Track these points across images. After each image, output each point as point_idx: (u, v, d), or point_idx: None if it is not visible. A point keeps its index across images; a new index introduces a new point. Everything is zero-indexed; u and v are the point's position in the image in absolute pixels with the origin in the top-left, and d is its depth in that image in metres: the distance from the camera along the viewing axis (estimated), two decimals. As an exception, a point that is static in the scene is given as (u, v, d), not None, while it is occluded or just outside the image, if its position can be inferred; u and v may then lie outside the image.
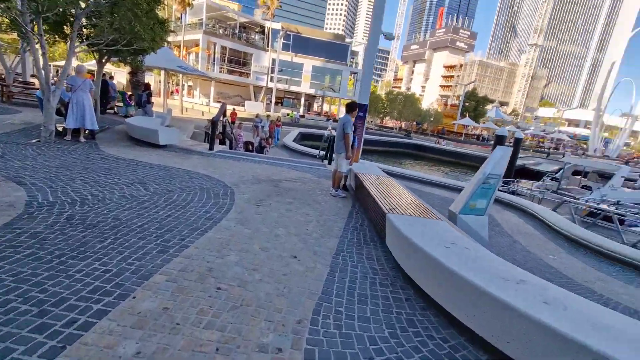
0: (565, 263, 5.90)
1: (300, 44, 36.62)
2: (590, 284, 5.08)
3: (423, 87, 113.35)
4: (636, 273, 5.88)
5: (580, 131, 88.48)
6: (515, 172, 20.51)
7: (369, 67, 6.80)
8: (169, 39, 35.90)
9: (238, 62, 35.18)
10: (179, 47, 31.54)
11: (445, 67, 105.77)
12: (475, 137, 44.41)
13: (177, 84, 42.20)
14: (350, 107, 5.64)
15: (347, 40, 41.32)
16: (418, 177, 12.03)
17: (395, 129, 40.14)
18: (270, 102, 34.95)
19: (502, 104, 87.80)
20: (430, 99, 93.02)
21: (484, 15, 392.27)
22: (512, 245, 6.54)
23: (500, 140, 17.67)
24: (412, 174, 12.43)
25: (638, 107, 59.70)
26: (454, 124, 45.06)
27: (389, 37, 6.76)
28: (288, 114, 35.24)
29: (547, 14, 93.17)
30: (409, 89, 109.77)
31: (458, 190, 11.31)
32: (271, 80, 35.23)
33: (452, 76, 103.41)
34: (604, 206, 13.04)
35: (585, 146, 63.32)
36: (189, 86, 40.56)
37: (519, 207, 10.06)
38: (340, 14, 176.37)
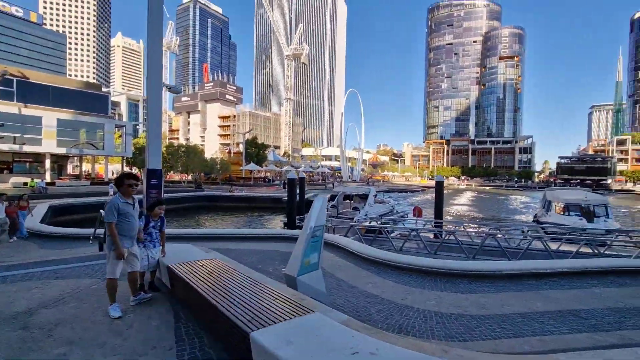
0: (380, 286, 6.59)
1: (33, 92, 28.15)
2: (405, 300, 5.80)
3: (202, 137, 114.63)
4: (421, 276, 7.35)
5: (332, 164, 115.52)
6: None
7: (156, 124, 5.47)
8: None
9: None
10: None
11: (220, 117, 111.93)
12: (262, 179, 48.67)
13: None
14: (119, 182, 4.11)
15: (104, 89, 35.62)
16: (235, 234, 11.13)
17: (183, 182, 37.54)
18: (-11, 170, 24.34)
19: (276, 147, 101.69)
20: (212, 148, 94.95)
21: (243, 73, 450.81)
22: (339, 285, 6.76)
23: (292, 182, 19.79)
24: (225, 232, 11.40)
25: (362, 143, 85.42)
26: (241, 170, 47.49)
27: (175, 90, 5.77)
28: (26, 184, 25.66)
29: (291, 76, 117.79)
30: (187, 139, 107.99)
31: (273, 238, 11.29)
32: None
33: (228, 126, 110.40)
34: (373, 223, 16.64)
35: (340, 175, 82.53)
36: None
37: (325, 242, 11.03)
38: (89, 60, 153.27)
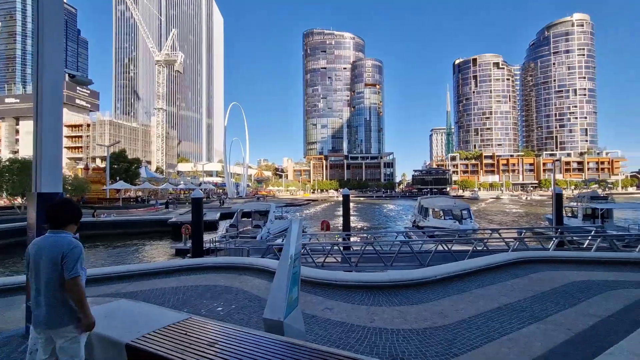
0: (340, 311, 6.05)
1: None
2: (374, 322, 5.43)
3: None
4: (370, 293, 7.14)
5: (214, 180, 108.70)
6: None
7: None
8: None
9: None
10: None
11: (68, 126, 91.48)
12: (134, 199, 41.10)
13: None
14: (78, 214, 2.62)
15: None
16: (129, 271, 8.64)
17: (19, 208, 27.83)
18: None
19: (147, 162, 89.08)
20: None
21: (99, 76, 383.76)
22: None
23: (198, 201, 17.22)
24: (115, 270, 8.76)
25: (247, 158, 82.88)
26: (104, 189, 39.07)
27: (82, 81, 3.75)
28: None
29: (163, 84, 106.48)
30: (16, 152, 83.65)
31: (188, 270, 9.21)
32: None
33: (79, 136, 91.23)
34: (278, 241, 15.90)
35: (224, 191, 78.04)
36: None
37: (242, 267, 9.70)
38: None
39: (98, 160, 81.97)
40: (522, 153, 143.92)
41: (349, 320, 5.53)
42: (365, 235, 16.95)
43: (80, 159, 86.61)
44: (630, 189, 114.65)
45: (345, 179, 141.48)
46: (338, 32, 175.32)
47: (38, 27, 3.33)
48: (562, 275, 8.08)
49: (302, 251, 13.07)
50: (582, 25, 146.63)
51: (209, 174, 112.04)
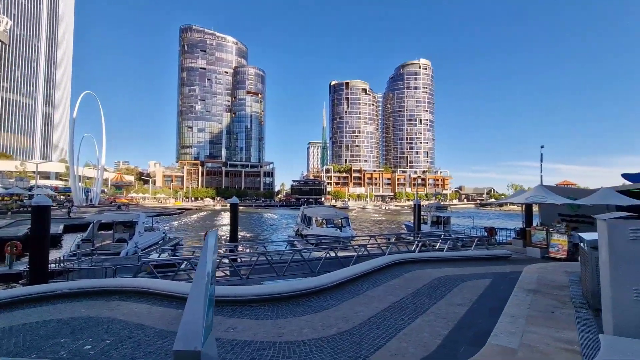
0: (245, 329, 5.63)
1: None
2: (282, 337, 5.26)
3: None
4: (267, 305, 6.90)
5: (53, 183, 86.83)
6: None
7: None
8: None
9: None
10: None
11: None
12: None
13: None
14: None
15: None
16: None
17: None
18: None
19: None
20: None
21: None
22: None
23: (42, 210, 12.97)
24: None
25: (103, 158, 68.91)
26: None
27: None
28: None
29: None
30: None
31: (23, 302, 6.73)
32: None
33: None
34: (163, 256, 13.95)
35: (68, 197, 63.10)
36: None
37: (111, 291, 7.96)
38: None
39: None
40: (382, 169, 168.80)
41: (257, 338, 5.20)
42: (254, 245, 16.45)
43: None
44: (455, 201, 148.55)
45: (224, 186, 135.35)
46: (220, 33, 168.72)
47: None
48: (427, 273, 9.68)
49: (182, 267, 11.71)
50: (426, 69, 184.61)
51: (45, 175, 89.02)
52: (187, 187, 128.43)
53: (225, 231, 37.98)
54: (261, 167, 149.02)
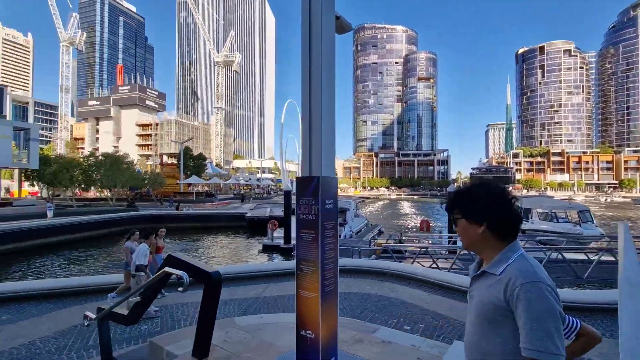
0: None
1: None
2: None
3: (116, 147, 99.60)
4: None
5: (266, 176, 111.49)
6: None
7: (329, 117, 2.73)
8: None
9: None
10: None
11: (139, 125, 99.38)
12: (204, 194, 42.95)
13: None
14: None
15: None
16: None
17: (112, 199, 30.33)
18: None
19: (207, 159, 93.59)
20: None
21: (162, 79, 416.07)
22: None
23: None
24: (260, 268, 8.26)
25: (301, 155, 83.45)
26: (178, 184, 41.21)
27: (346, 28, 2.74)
28: None
29: (222, 84, 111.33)
30: (96, 149, 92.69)
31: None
32: None
33: (149, 135, 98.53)
34: (390, 242, 14.71)
35: (280, 187, 79.15)
36: None
37: (372, 270, 8.63)
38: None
39: (165, 157, 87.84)
40: (598, 150, 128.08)
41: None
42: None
43: (149, 156, 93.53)
44: None
45: (397, 176, 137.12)
46: (390, 25, 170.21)
47: (310, 29, 2.62)
48: None
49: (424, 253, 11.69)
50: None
51: (262, 170, 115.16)
52: (363, 177, 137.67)
53: (415, 220, 37.56)
54: (434, 155, 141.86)
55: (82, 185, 31.67)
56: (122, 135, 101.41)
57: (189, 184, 42.83)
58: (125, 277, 6.59)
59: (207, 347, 2.80)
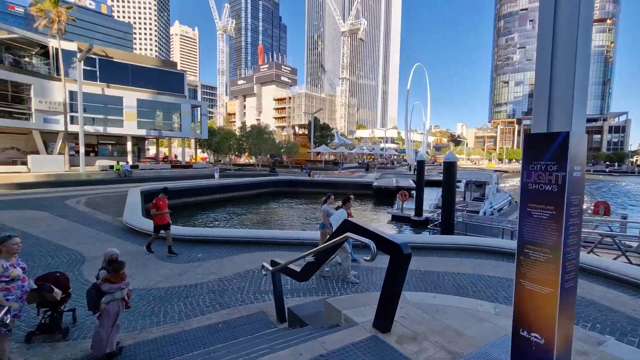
0: None
1: (115, 72, 27.37)
2: None
3: (258, 120, 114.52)
4: None
5: (389, 146, 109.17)
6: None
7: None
8: None
9: (3, 97, 22.49)
10: None
11: (276, 99, 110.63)
12: (332, 162, 45.52)
13: None
14: None
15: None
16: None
17: (258, 165, 35.61)
18: (76, 152, 23.83)
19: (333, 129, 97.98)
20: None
21: (295, 53, 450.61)
22: None
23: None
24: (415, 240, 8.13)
25: (427, 123, 77.78)
26: (309, 152, 44.65)
27: None
28: (112, 167, 25.02)
29: (347, 54, 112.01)
30: (243, 123, 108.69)
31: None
32: (72, 121, 24.18)
33: (284, 108, 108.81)
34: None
35: (403, 158, 76.79)
36: None
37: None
38: (152, 48, 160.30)
39: (296, 128, 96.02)
40: None
41: None
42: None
43: (283, 127, 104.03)
44: None
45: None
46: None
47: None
48: None
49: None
50: None
51: (384, 140, 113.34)
52: (500, 148, 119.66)
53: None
54: (604, 120, 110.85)
55: (236, 153, 38.13)
56: (262, 109, 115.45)
57: (318, 153, 45.73)
58: (322, 236, 6.93)
59: (390, 321, 2.62)
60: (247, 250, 7.93)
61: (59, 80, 23.92)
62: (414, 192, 19.83)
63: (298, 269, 3.99)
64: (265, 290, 5.52)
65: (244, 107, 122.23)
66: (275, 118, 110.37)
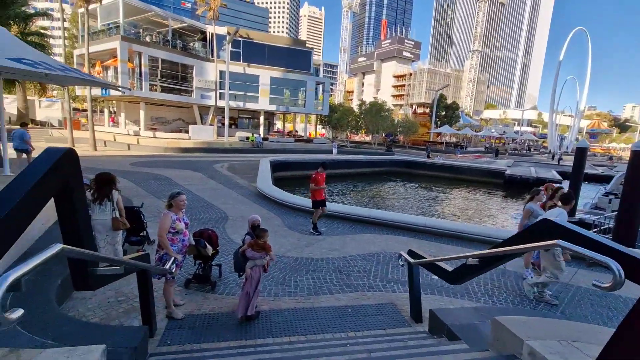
0: None
1: (254, 52, 30.38)
2: None
3: (375, 97, 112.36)
4: None
5: (527, 129, 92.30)
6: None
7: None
8: (76, 51, 27.52)
9: (175, 76, 27.67)
10: (94, 61, 23.40)
11: (395, 76, 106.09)
12: (453, 145, 41.24)
13: (102, 110, 33.36)
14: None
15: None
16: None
17: (374, 143, 35.18)
18: (222, 124, 27.84)
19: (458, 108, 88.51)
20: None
21: (419, 25, 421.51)
22: None
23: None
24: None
25: (582, 103, 61.75)
26: (429, 132, 41.45)
27: None
28: (248, 138, 28.40)
29: (482, 22, 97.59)
30: (361, 100, 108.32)
31: None
32: (220, 97, 28.16)
33: (403, 85, 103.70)
34: None
35: (543, 144, 64.23)
36: (112, 112, 32.03)
37: None
38: (283, 31, 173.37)
39: (414, 106, 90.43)
40: None
41: None
42: None
43: (401, 105, 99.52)
44: None
45: None
46: None
47: None
48: None
49: None
50: None
51: (517, 122, 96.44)
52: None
53: None
54: None
55: (353, 130, 38.32)
56: (380, 87, 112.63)
57: (439, 134, 42.01)
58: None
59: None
60: (369, 230, 7.60)
61: (212, 61, 28.04)
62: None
63: (449, 268, 3.32)
64: (394, 280, 5.06)
65: (362, 84, 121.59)
66: (393, 96, 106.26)
